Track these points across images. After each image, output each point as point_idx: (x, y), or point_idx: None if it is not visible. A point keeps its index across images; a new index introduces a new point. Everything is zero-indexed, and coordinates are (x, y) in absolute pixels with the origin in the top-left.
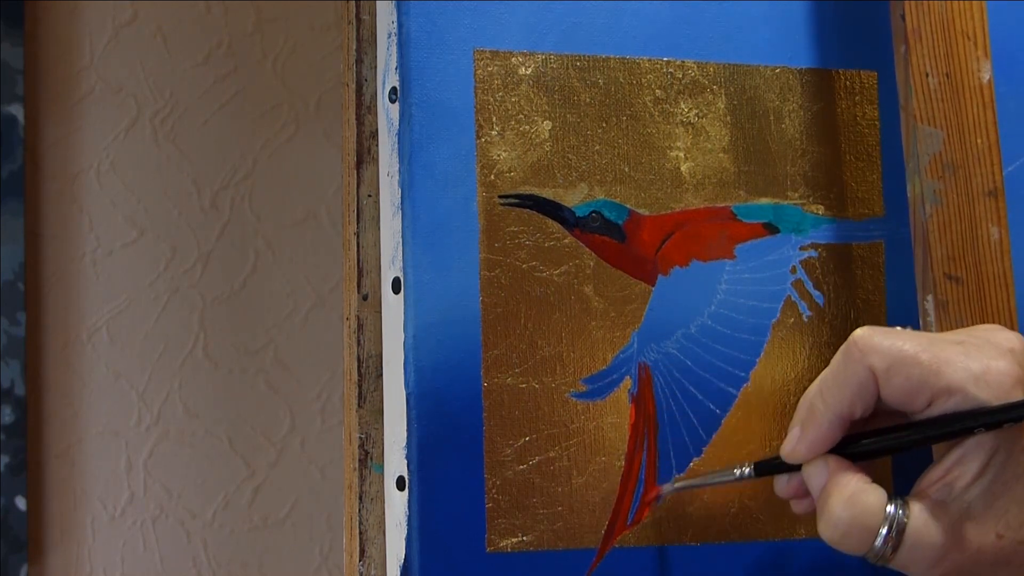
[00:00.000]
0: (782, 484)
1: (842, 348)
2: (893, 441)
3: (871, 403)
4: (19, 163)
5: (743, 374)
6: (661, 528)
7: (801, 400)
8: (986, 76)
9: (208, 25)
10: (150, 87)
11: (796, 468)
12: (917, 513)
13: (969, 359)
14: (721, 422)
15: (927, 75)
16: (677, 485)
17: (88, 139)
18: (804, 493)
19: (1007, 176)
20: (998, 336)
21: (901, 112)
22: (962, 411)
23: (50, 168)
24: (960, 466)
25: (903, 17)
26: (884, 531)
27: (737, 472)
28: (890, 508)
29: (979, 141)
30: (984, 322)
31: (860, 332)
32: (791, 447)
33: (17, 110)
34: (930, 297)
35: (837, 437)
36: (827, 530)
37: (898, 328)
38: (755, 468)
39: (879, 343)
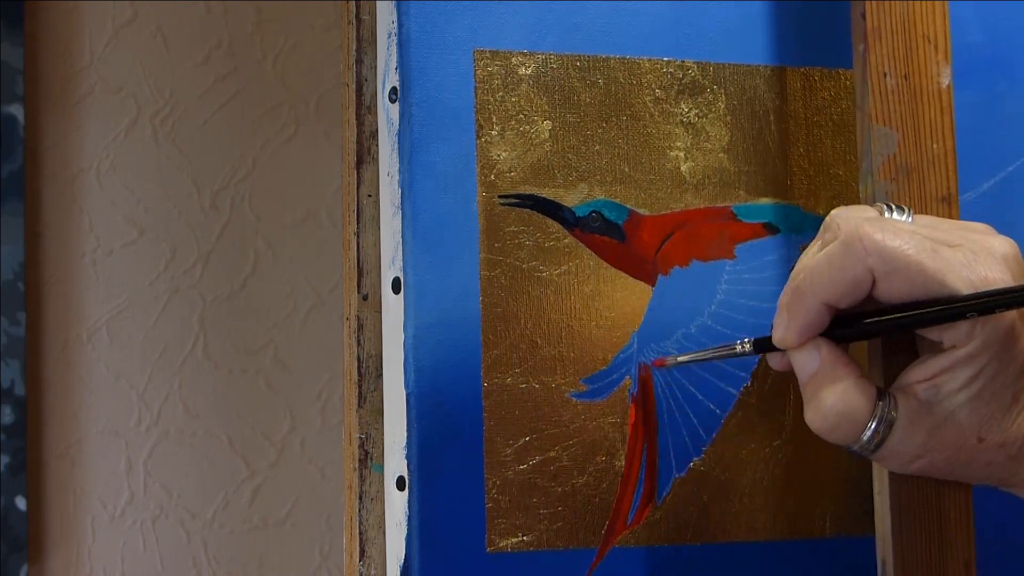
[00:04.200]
0: (776, 359)
1: (843, 239)
2: (885, 324)
3: (861, 299)
4: (19, 163)
5: (743, 374)
6: (661, 528)
7: (788, 283)
8: (945, 81)
9: (208, 25)
10: (150, 87)
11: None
12: (904, 411)
13: (970, 269)
14: (721, 422)
15: (885, 75)
16: (681, 359)
17: (88, 139)
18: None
19: (1007, 176)
20: (992, 242)
21: (857, 111)
22: (956, 295)
23: (50, 168)
24: (950, 372)
25: (863, 16)
26: (873, 426)
27: (738, 347)
28: (880, 404)
29: (935, 146)
30: None
31: (867, 228)
32: (780, 334)
33: (17, 110)
34: None
35: (825, 323)
36: (816, 419)
37: (896, 221)
38: (754, 345)
39: (883, 243)
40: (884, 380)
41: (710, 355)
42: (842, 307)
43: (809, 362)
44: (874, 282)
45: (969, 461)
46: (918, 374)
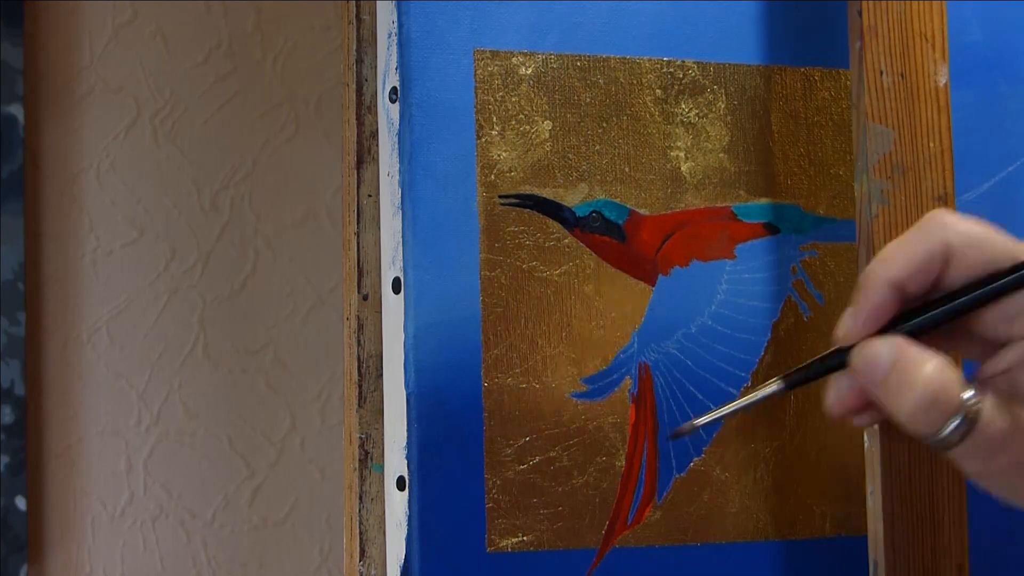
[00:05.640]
0: (838, 396)
1: (919, 223)
2: (962, 302)
3: (929, 282)
4: (19, 163)
5: (743, 374)
6: (661, 528)
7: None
8: (942, 80)
9: (208, 25)
10: (150, 87)
11: (833, 371)
12: (989, 403)
13: None
14: (721, 422)
15: (881, 73)
16: (698, 422)
17: (88, 139)
18: (861, 403)
19: (1007, 176)
20: None
21: (853, 109)
22: None
23: (50, 168)
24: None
25: (860, 13)
26: (960, 417)
27: (765, 392)
28: (969, 393)
29: (931, 145)
30: None
31: (940, 211)
32: (847, 325)
33: (17, 110)
34: None
35: (893, 310)
36: (906, 404)
37: None
38: (785, 380)
39: (958, 222)
40: None
41: (736, 408)
42: (910, 290)
43: (888, 352)
44: (946, 263)
45: None
46: (992, 367)
